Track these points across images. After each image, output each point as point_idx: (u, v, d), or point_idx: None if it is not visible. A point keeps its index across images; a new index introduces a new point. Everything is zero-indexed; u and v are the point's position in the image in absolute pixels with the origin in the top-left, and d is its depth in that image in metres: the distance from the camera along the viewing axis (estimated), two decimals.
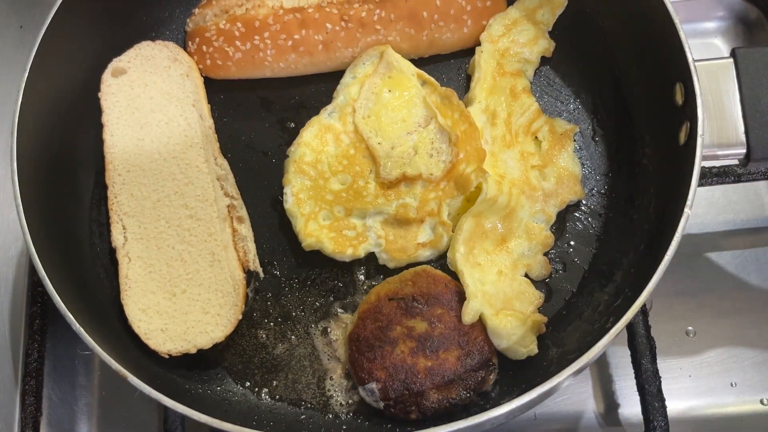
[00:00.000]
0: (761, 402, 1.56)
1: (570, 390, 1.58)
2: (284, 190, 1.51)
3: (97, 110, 1.56)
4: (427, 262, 1.49)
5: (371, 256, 1.50)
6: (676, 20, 1.38)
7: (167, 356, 1.39)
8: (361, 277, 1.51)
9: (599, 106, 1.60)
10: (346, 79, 1.60)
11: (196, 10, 1.66)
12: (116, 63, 1.60)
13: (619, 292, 1.41)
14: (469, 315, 1.37)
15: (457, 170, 1.48)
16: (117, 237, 1.47)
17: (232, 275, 1.44)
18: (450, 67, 1.66)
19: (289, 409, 1.42)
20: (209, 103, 1.62)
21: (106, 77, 1.59)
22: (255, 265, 1.50)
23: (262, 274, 1.51)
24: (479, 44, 1.61)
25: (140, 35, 1.66)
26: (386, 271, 1.50)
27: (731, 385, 1.57)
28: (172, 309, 1.42)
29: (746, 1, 1.85)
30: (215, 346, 1.41)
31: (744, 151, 1.37)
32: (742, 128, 1.37)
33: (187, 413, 1.22)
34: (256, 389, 1.44)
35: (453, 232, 1.47)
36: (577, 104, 1.61)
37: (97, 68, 1.59)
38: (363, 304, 1.44)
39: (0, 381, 1.58)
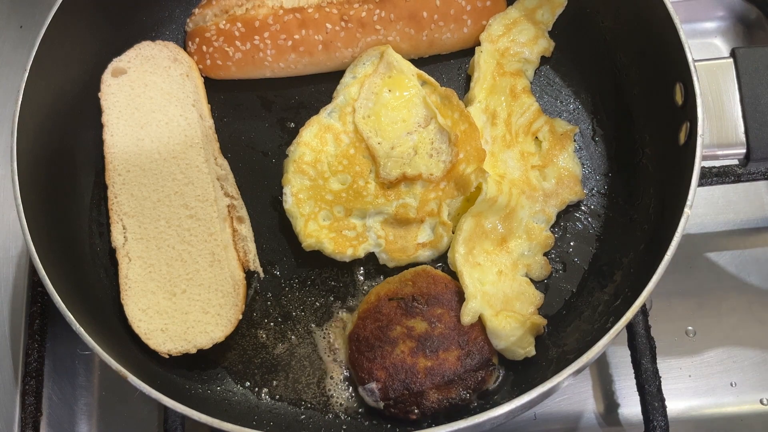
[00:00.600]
0: (761, 402, 1.56)
1: (570, 390, 1.58)
2: (284, 190, 1.51)
3: (97, 110, 1.56)
4: (427, 263, 1.49)
5: (371, 256, 1.50)
6: (676, 20, 1.38)
7: (167, 356, 1.39)
8: (361, 277, 1.51)
9: (599, 106, 1.60)
10: (346, 79, 1.60)
11: (196, 10, 1.66)
12: (116, 63, 1.60)
13: (619, 292, 1.41)
14: (467, 316, 1.37)
15: (457, 170, 1.48)
16: (117, 237, 1.47)
17: (232, 275, 1.44)
18: (450, 67, 1.66)
19: (289, 409, 1.42)
20: (209, 103, 1.62)
21: (106, 77, 1.59)
22: (255, 265, 1.50)
23: (262, 274, 1.51)
24: (479, 44, 1.61)
25: (140, 35, 1.66)
26: (386, 271, 1.50)
27: (731, 385, 1.57)
28: (172, 309, 1.42)
29: (746, 1, 1.85)
30: (215, 346, 1.41)
31: (744, 151, 1.37)
32: (742, 128, 1.37)
33: (187, 413, 1.22)
34: (256, 389, 1.44)
35: (453, 232, 1.47)
36: (577, 104, 1.61)
37: (97, 68, 1.59)
38: (363, 304, 1.44)
39: (0, 381, 1.58)
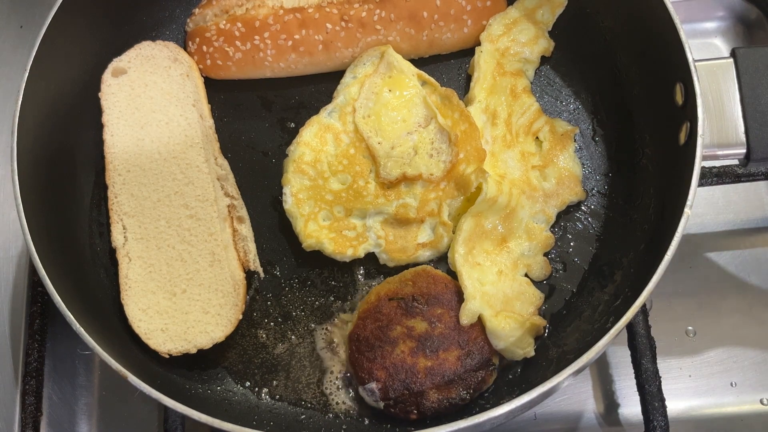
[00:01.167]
0: (761, 402, 1.56)
1: (570, 390, 1.58)
2: (284, 190, 1.51)
3: (97, 110, 1.56)
4: (428, 263, 1.49)
5: (371, 256, 1.50)
6: (676, 20, 1.37)
7: (167, 356, 1.39)
8: (361, 277, 1.51)
9: (599, 106, 1.60)
10: (347, 79, 1.60)
11: (197, 10, 1.66)
12: (116, 63, 1.60)
13: (619, 292, 1.41)
14: (466, 316, 1.37)
15: (457, 170, 1.48)
16: (117, 237, 1.47)
17: (232, 275, 1.44)
18: (450, 67, 1.66)
19: (289, 409, 1.42)
20: (209, 103, 1.62)
21: (107, 77, 1.59)
22: (255, 265, 1.50)
23: (262, 274, 1.51)
24: (479, 44, 1.61)
25: (140, 35, 1.66)
26: (386, 271, 1.50)
27: (731, 385, 1.57)
28: (173, 309, 1.42)
29: (746, 1, 1.85)
30: (215, 346, 1.41)
31: (744, 151, 1.37)
32: (742, 128, 1.37)
33: (187, 413, 1.22)
34: (256, 389, 1.44)
35: (453, 232, 1.47)
36: (577, 104, 1.61)
37: (97, 68, 1.59)
38: (363, 304, 1.44)
39: (0, 381, 1.58)
